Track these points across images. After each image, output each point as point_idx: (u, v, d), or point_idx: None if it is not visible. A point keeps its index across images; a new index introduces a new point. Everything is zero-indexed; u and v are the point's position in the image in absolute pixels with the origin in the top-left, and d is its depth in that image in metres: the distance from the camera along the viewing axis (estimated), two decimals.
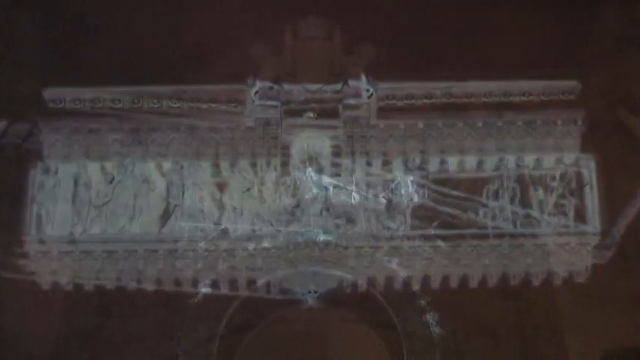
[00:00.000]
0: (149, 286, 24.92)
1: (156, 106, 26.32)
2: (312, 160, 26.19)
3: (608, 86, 26.11)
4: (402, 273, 25.00)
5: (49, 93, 26.11)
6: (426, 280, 25.18)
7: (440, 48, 26.36)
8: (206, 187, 26.02)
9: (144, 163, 26.06)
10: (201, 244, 25.32)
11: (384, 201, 25.89)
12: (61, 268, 25.05)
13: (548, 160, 25.78)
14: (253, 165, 26.16)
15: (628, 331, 24.66)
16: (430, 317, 24.52)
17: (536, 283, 25.10)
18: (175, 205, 25.70)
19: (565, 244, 24.95)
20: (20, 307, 24.71)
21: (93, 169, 25.89)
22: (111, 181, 25.78)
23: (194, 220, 25.58)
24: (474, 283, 25.15)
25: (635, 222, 24.92)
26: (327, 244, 25.43)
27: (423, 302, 24.76)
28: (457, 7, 26.82)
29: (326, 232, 25.47)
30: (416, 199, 25.73)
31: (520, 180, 25.70)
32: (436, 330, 24.44)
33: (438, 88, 26.27)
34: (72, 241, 25.15)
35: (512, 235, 25.17)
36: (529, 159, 25.87)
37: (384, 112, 26.40)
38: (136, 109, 26.28)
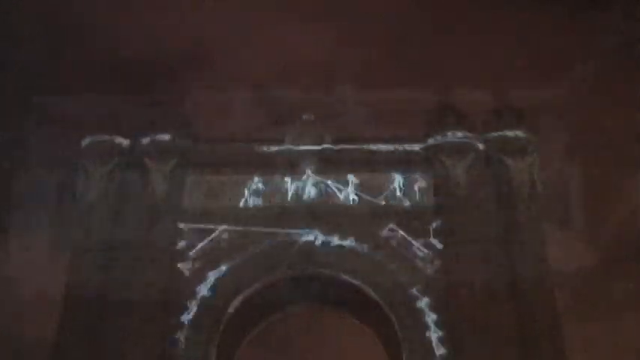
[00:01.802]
0: (148, 288, 24.60)
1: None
2: (310, 161, 26.28)
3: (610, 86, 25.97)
4: (401, 273, 24.78)
5: (38, 101, 25.88)
6: (426, 281, 24.95)
7: (431, 54, 26.35)
8: (204, 188, 26.17)
9: (138, 166, 26.12)
10: (201, 245, 25.32)
11: (383, 202, 25.96)
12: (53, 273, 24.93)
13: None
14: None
15: (627, 330, 24.64)
16: (429, 318, 24.35)
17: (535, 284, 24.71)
18: (174, 207, 25.71)
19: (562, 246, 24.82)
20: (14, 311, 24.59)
21: (83, 175, 25.91)
22: (106, 186, 25.85)
23: (193, 222, 25.60)
24: (474, 284, 24.78)
25: (630, 225, 24.81)
26: (326, 244, 25.33)
27: (422, 303, 24.57)
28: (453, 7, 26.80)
29: (325, 233, 25.40)
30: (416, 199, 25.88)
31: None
32: (435, 330, 24.26)
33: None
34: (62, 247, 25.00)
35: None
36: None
37: None
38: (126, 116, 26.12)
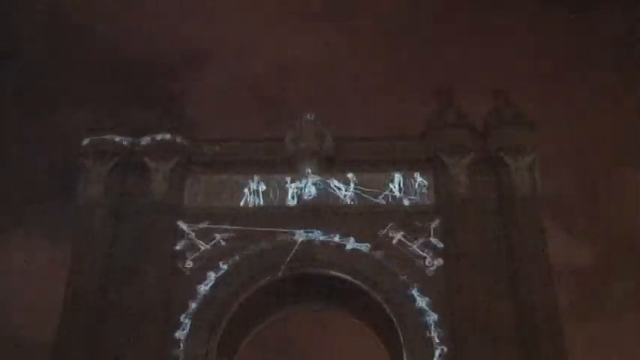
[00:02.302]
0: (148, 288, 24.57)
1: None
2: (310, 161, 26.25)
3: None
4: (401, 273, 24.75)
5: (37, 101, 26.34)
6: (426, 281, 24.87)
7: (431, 54, 26.39)
8: (204, 188, 26.16)
9: (138, 166, 26.16)
10: (201, 245, 25.28)
11: (383, 201, 25.98)
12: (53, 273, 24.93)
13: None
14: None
15: (627, 330, 24.67)
16: (429, 317, 24.31)
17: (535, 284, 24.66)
18: (174, 207, 25.64)
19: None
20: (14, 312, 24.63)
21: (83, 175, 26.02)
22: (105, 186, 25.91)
23: (192, 222, 25.52)
24: (474, 283, 24.72)
25: (630, 225, 24.82)
26: (326, 244, 25.29)
27: (422, 303, 24.53)
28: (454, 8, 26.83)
29: (326, 232, 25.38)
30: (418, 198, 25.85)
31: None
32: (435, 330, 24.22)
33: None
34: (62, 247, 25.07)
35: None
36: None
37: None
38: None
